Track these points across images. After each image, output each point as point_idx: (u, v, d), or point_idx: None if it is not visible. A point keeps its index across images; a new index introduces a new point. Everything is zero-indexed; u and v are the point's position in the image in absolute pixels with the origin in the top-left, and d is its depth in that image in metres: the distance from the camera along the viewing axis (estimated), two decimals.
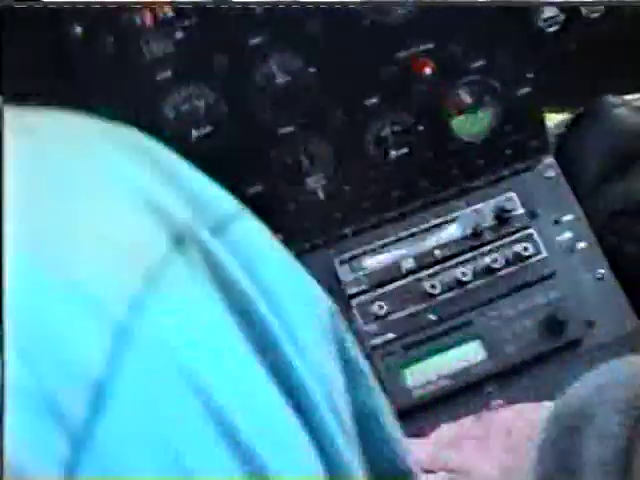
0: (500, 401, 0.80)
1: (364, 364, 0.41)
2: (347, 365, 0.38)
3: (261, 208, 0.82)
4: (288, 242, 0.83)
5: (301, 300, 0.32)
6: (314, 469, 0.29)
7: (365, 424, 0.40)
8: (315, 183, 0.83)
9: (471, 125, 0.85)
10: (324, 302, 0.35)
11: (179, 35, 0.75)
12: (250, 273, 0.29)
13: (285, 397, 0.28)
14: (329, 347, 0.35)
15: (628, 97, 0.92)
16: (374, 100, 0.81)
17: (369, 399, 0.42)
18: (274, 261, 0.32)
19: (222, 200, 0.32)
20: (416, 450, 0.75)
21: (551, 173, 0.88)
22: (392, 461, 0.46)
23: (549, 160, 0.88)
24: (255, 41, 0.77)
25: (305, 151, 0.82)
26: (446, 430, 0.75)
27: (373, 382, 0.42)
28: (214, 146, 0.79)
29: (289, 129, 0.81)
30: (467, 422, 0.74)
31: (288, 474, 0.28)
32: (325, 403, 0.30)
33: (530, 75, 0.85)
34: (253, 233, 0.32)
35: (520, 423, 0.65)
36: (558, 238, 0.85)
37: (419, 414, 0.79)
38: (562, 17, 0.83)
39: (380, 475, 0.45)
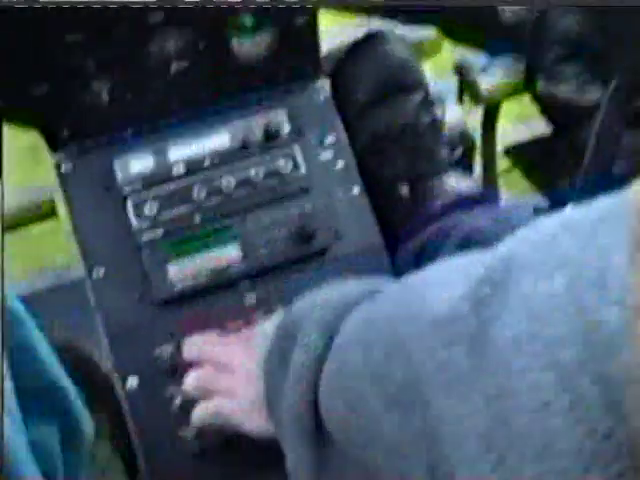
0: (252, 296, 0.90)
1: (18, 307, 0.54)
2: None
3: (47, 107, 0.89)
4: (71, 142, 0.90)
5: None
6: None
7: (19, 354, 0.53)
8: (99, 87, 0.89)
9: (250, 46, 0.93)
10: None
11: None
12: None
13: None
14: None
15: (399, 31, 1.02)
16: (158, 17, 0.87)
17: (20, 332, 0.55)
18: None
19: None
20: (187, 345, 0.85)
21: (321, 96, 0.97)
22: (41, 373, 0.58)
23: (321, 83, 0.97)
24: None
25: (91, 57, 0.87)
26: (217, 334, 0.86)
27: (25, 318, 0.55)
28: (2, 48, 0.84)
29: (76, 37, 0.86)
30: (238, 331, 0.86)
31: None
32: None
33: (309, 5, 0.92)
34: None
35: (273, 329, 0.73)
36: (319, 157, 0.94)
37: (180, 305, 0.89)
38: None
39: (33, 387, 0.57)
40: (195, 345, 0.84)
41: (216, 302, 0.90)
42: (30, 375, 0.63)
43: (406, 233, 0.95)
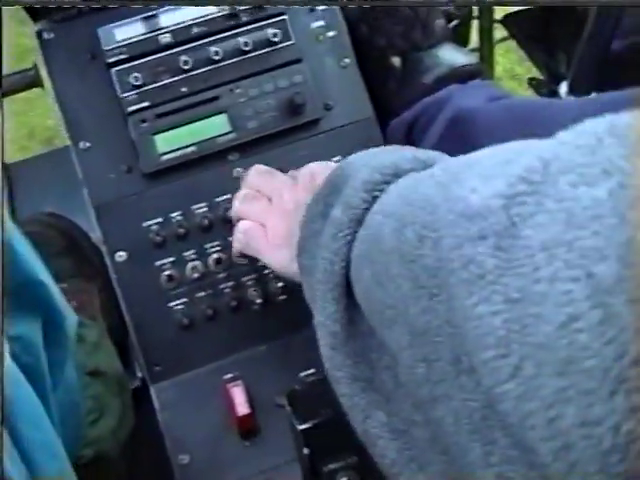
0: (241, 169, 0.90)
1: (20, 240, 0.55)
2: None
3: None
4: (54, 10, 0.87)
5: None
6: None
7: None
8: None
9: None
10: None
11: None
12: None
13: None
14: None
15: None
16: None
17: None
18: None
19: None
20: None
21: None
22: (21, 270, 0.59)
23: None
24: None
25: None
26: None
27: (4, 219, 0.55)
28: None
29: None
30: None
31: None
32: None
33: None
34: None
35: (323, 172, 0.71)
36: (311, 26, 0.92)
37: (168, 178, 0.88)
38: None
39: (14, 284, 0.58)
40: (247, 175, 0.84)
41: (204, 174, 0.89)
42: (10, 273, 0.63)
43: (398, 105, 0.93)
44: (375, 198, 0.58)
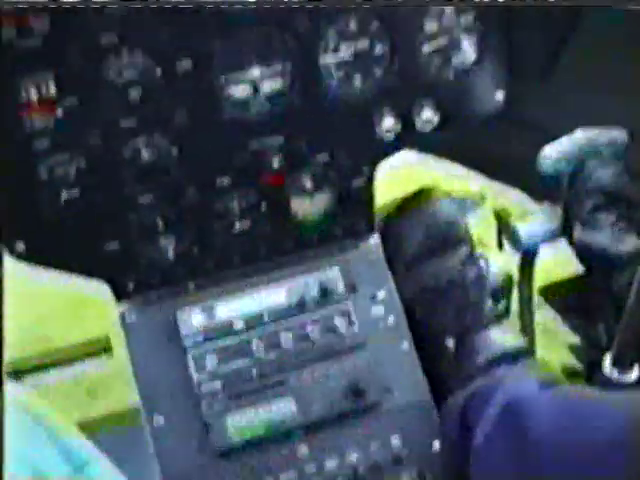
0: (306, 448, 0.94)
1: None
2: None
3: (116, 262, 0.93)
4: (137, 293, 0.94)
5: None
6: None
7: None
8: (166, 243, 0.94)
9: (308, 205, 0.98)
10: None
11: (59, 113, 0.84)
12: None
13: None
14: None
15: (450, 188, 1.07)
16: (225, 180, 0.93)
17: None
18: None
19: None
20: None
21: (373, 252, 1.02)
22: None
23: (374, 240, 1.02)
24: (127, 123, 0.87)
25: (161, 217, 0.93)
26: None
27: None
28: (80, 208, 0.89)
29: (148, 198, 0.91)
30: None
31: None
32: None
33: (366, 168, 0.98)
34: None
35: None
36: (372, 312, 0.99)
37: (236, 456, 0.92)
38: (399, 128, 0.96)
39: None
40: None
41: (270, 453, 0.93)
42: None
43: (452, 385, 0.97)
44: None
